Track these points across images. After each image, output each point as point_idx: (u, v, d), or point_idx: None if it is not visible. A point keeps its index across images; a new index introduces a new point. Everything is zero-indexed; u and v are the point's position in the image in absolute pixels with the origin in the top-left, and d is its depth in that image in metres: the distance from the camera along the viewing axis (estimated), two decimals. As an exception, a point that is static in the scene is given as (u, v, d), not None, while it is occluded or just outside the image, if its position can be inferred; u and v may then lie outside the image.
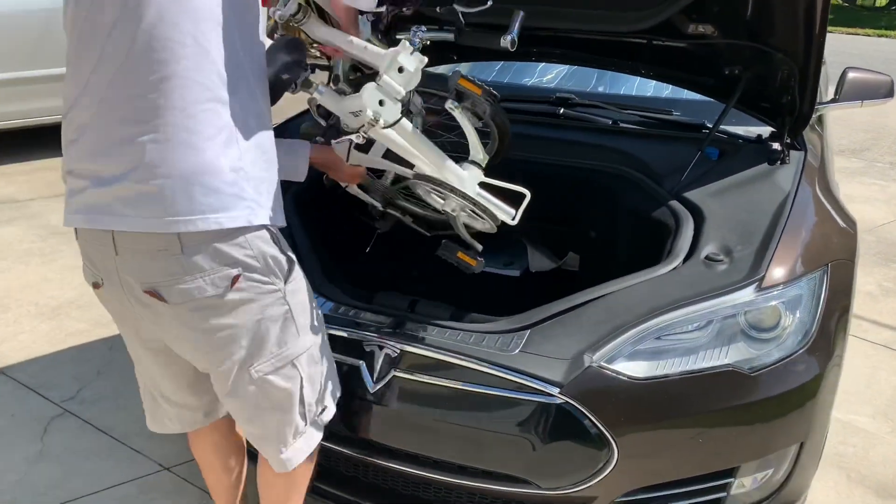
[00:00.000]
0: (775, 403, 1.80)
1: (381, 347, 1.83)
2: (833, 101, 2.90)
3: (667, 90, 2.92)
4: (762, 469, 1.88)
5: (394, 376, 1.82)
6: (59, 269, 3.84)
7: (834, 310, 1.92)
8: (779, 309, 1.85)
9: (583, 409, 1.71)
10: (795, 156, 2.41)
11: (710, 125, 2.62)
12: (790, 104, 2.41)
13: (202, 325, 1.50)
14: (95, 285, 1.57)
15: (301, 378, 1.64)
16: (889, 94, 2.96)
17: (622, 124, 2.68)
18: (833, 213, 2.20)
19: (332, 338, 1.89)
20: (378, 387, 1.82)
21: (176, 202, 1.39)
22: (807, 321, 1.86)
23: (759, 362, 1.79)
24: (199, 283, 1.45)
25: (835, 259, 2.00)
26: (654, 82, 2.93)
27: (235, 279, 1.48)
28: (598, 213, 2.53)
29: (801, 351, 1.82)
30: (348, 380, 1.86)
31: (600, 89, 2.99)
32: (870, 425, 2.79)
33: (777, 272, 1.89)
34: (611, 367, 1.74)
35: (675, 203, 2.21)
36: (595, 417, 1.72)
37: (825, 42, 2.18)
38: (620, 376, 1.74)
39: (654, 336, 1.78)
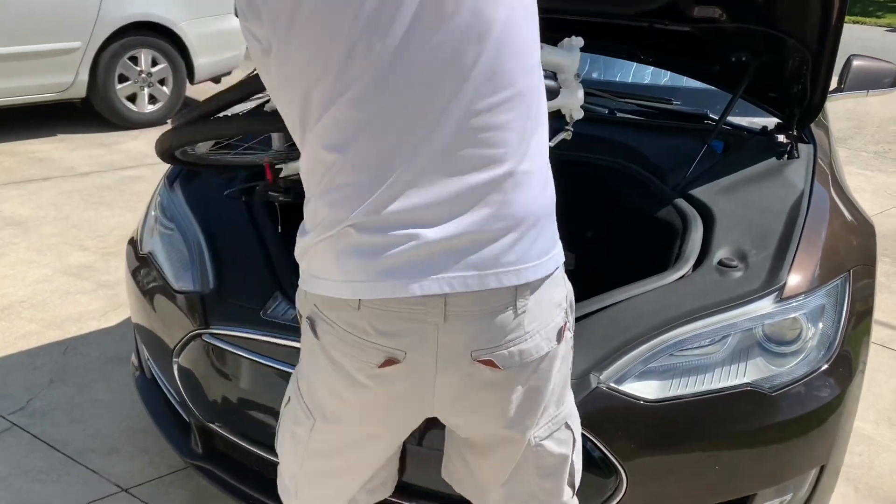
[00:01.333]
0: (798, 425, 1.64)
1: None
2: (838, 90, 2.75)
3: (665, 77, 2.75)
4: (780, 495, 1.72)
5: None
6: (10, 264, 3.58)
7: (857, 320, 1.77)
8: (800, 320, 1.69)
9: (589, 435, 1.54)
10: (804, 149, 2.26)
11: (712, 115, 2.46)
12: (800, 94, 2.25)
13: (520, 392, 1.21)
14: (390, 361, 1.17)
15: (574, 440, 1.35)
16: (894, 84, 2.82)
17: (618, 114, 2.50)
18: (850, 213, 2.05)
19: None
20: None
21: (534, 245, 1.14)
22: (830, 333, 1.71)
23: (780, 380, 1.63)
24: (535, 339, 1.19)
25: (856, 264, 1.85)
26: (651, 69, 2.75)
27: (563, 329, 1.23)
28: (595, 211, 2.35)
29: (825, 366, 1.67)
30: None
31: (594, 76, 2.81)
32: (874, 432, 2.66)
33: (798, 280, 1.73)
34: (620, 388, 1.57)
35: (680, 201, 2.04)
36: (602, 444, 1.55)
37: (842, 28, 2.02)
38: (630, 398, 1.56)
39: (667, 353, 1.61)
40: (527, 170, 1.12)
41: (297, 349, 1.69)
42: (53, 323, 3.06)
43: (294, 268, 1.90)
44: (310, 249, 1.16)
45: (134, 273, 2.15)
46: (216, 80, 6.49)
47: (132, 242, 2.27)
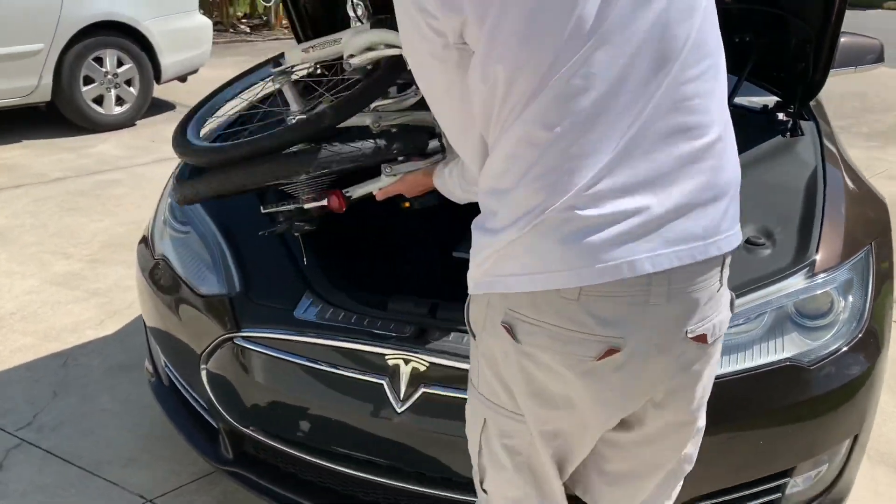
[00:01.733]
0: (836, 396, 1.68)
1: (406, 361, 1.63)
2: (828, 67, 2.80)
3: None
4: (817, 466, 1.76)
5: (423, 393, 1.61)
6: (-7, 276, 3.47)
7: (881, 291, 1.81)
8: (831, 294, 1.73)
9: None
10: (807, 127, 2.30)
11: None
12: (802, 72, 2.28)
13: (710, 368, 1.22)
14: (610, 352, 1.11)
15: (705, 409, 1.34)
16: (879, 59, 2.88)
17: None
18: (862, 188, 2.09)
19: (347, 352, 1.68)
20: (405, 406, 1.62)
21: (736, 213, 1.16)
22: (859, 305, 1.75)
23: (816, 354, 1.66)
24: (725, 311, 1.20)
25: (875, 237, 1.89)
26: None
27: (733, 299, 1.26)
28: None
29: (858, 337, 1.70)
30: (368, 401, 1.66)
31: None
32: (876, 400, 2.73)
33: (826, 255, 1.76)
34: (666, 369, 1.58)
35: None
36: (651, 425, 1.56)
37: (846, 6, 2.05)
38: (677, 379, 1.57)
39: (709, 332, 1.63)
40: (728, 136, 1.14)
41: (333, 347, 1.69)
42: (49, 335, 2.97)
43: (320, 265, 1.88)
44: (504, 248, 1.11)
45: (149, 276, 2.09)
46: (182, 79, 6.37)
47: (144, 242, 2.21)
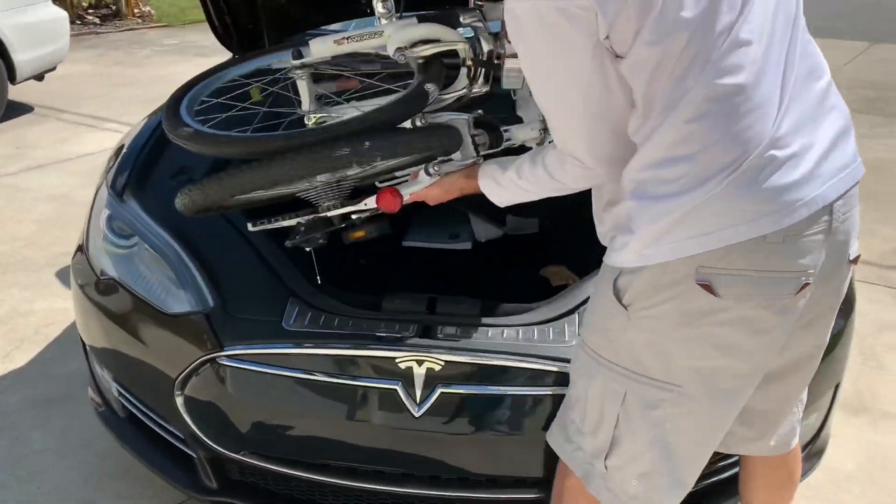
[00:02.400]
0: (827, 349, 1.74)
1: (419, 362, 1.54)
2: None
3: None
4: (806, 417, 1.83)
5: (441, 394, 1.54)
6: None
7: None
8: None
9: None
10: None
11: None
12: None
13: (847, 283, 1.36)
14: (805, 285, 1.20)
15: None
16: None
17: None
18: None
19: (350, 359, 1.58)
20: (423, 410, 1.54)
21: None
22: (834, 261, 1.82)
23: (808, 311, 1.72)
24: (856, 231, 1.32)
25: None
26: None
27: None
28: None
29: (839, 291, 1.78)
30: (380, 408, 1.57)
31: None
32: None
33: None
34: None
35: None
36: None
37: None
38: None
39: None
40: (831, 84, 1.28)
41: (334, 356, 1.59)
42: (-44, 369, 2.64)
43: (306, 269, 1.75)
44: (693, 209, 1.13)
45: (94, 294, 1.87)
46: (39, 77, 5.84)
47: (80, 252, 1.99)
